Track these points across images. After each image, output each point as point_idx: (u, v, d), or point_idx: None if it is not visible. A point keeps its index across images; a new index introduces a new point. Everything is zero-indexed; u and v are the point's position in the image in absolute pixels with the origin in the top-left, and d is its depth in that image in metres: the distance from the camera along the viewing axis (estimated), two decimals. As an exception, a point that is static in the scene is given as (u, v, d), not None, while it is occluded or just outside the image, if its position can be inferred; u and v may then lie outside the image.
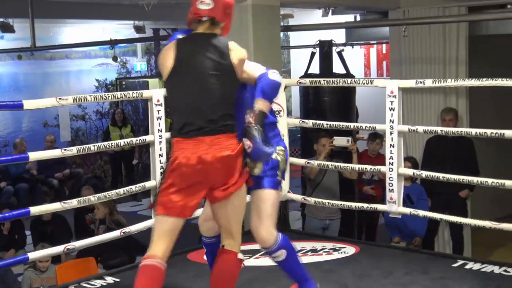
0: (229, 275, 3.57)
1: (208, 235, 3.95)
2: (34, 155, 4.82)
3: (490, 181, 4.79)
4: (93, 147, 5.16)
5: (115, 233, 5.01)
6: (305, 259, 4.94)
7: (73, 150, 4.92)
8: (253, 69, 3.52)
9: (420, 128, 5.46)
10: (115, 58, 11.87)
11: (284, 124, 5.74)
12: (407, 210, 5.26)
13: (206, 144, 3.30)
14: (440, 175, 5.11)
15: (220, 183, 3.38)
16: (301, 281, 3.78)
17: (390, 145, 5.12)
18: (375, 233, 7.46)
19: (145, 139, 5.04)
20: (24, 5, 8.72)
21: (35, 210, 4.82)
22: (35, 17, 9.11)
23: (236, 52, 3.44)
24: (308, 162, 6.02)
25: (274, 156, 3.62)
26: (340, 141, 6.03)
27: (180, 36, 3.54)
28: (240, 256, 3.52)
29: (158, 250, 3.36)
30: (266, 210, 3.64)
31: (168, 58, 3.38)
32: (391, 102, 5.07)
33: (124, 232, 4.96)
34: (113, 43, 10.65)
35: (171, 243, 3.42)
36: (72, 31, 12.36)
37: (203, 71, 3.36)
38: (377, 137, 7.09)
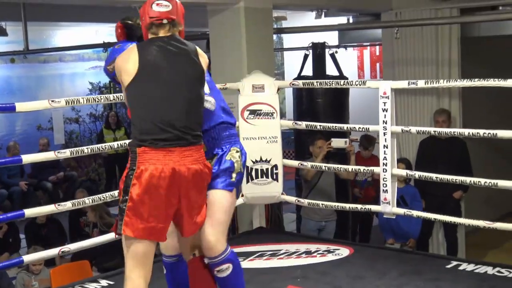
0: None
1: (168, 253, 3.55)
2: (28, 158, 4.82)
3: (483, 181, 4.82)
4: (86, 149, 5.17)
5: (110, 236, 5.00)
6: (300, 261, 4.99)
7: (66, 153, 4.92)
8: None
9: (414, 129, 5.47)
10: (108, 61, 11.81)
11: (277, 126, 5.76)
12: (401, 211, 5.27)
13: (177, 155, 3.05)
14: (434, 176, 5.12)
15: (192, 202, 3.16)
16: None
17: (384, 146, 5.13)
18: (369, 235, 7.46)
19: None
20: (16, 9, 8.71)
21: (29, 212, 4.83)
22: (28, 20, 9.11)
23: (204, 58, 3.29)
24: (301, 164, 6.02)
25: (228, 157, 3.43)
26: (338, 142, 6.02)
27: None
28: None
29: (142, 280, 3.06)
30: (218, 215, 3.31)
31: (129, 62, 3.10)
32: (384, 103, 5.08)
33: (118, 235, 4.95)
34: (106, 46, 10.62)
35: (151, 267, 3.14)
36: (65, 34, 12.33)
37: (173, 76, 3.15)
38: (370, 144, 7.12)
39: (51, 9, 9.15)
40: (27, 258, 4.96)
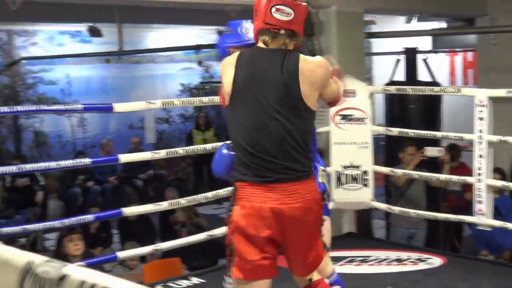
0: None
1: None
2: (125, 157, 4.97)
3: None
4: (180, 150, 5.28)
5: (201, 236, 5.10)
6: (390, 268, 4.96)
7: (161, 153, 5.03)
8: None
9: (511, 139, 5.34)
10: (199, 63, 12.05)
11: (368, 131, 5.74)
12: (497, 223, 5.16)
13: (279, 192, 2.69)
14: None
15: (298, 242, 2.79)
16: None
17: (478, 155, 5.04)
18: (460, 245, 7.32)
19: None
20: (111, 11, 8.96)
21: (127, 211, 4.99)
22: (122, 22, 9.36)
23: (314, 72, 2.76)
24: (392, 171, 5.98)
25: (320, 179, 3.14)
26: (432, 151, 5.94)
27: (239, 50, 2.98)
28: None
29: None
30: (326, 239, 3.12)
31: (226, 76, 2.79)
32: (480, 111, 4.99)
33: (209, 235, 5.04)
34: (198, 48, 10.80)
35: None
36: (158, 35, 12.56)
37: (270, 101, 2.71)
38: (459, 155, 7.00)
39: (144, 11, 9.38)
40: (122, 254, 5.11)
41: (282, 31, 2.73)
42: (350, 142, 5.62)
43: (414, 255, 5.28)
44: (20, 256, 0.71)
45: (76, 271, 0.63)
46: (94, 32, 10.43)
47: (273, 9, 2.71)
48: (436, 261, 5.14)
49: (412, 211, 5.66)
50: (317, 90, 2.76)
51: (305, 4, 2.82)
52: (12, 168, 5.09)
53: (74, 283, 0.61)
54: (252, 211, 2.69)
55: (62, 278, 0.63)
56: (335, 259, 5.04)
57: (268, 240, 2.71)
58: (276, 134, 2.70)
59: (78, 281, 0.61)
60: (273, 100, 2.71)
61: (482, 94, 5.04)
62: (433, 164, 6.31)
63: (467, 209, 6.05)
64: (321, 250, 2.89)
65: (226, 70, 2.79)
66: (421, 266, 5.02)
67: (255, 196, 2.68)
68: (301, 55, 2.79)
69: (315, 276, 2.98)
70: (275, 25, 2.72)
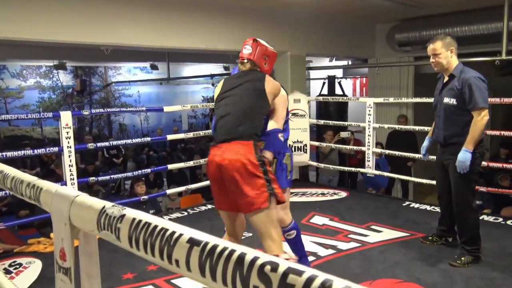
0: None
1: None
2: (170, 137, 4.94)
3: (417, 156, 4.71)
4: (201, 133, 5.28)
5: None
6: (318, 198, 4.97)
7: (190, 134, 5.06)
8: (276, 114, 2.48)
9: (385, 125, 5.37)
10: (212, 84, 11.96)
11: (307, 122, 5.74)
12: (377, 172, 5.20)
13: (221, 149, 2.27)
14: (396, 152, 5.03)
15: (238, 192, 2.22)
16: (301, 257, 2.78)
17: (368, 135, 5.06)
18: (356, 185, 7.40)
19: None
20: (164, 54, 8.88)
21: (171, 166, 4.97)
22: (170, 61, 9.27)
23: (270, 82, 2.44)
24: (320, 144, 5.99)
25: (284, 161, 2.70)
26: (344, 134, 5.97)
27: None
28: (283, 256, 2.18)
29: None
30: (287, 202, 2.72)
31: (218, 88, 2.53)
32: (369, 110, 5.00)
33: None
34: (212, 76, 10.77)
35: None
36: (189, 68, 12.46)
37: (237, 93, 2.41)
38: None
39: (182, 54, 9.29)
40: (168, 191, 5.09)
41: (245, 60, 2.54)
42: (297, 128, 5.61)
43: (331, 191, 5.30)
44: (97, 202, 0.70)
45: (131, 212, 0.63)
46: (154, 67, 10.39)
47: (243, 48, 2.58)
48: (343, 194, 5.16)
49: (331, 166, 5.69)
50: (271, 94, 2.42)
51: (263, 44, 2.58)
52: (105, 144, 5.07)
53: (129, 219, 0.60)
54: (208, 163, 2.34)
55: (122, 216, 0.62)
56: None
57: (214, 181, 2.31)
58: (234, 113, 2.33)
59: (131, 218, 0.60)
60: (241, 95, 2.40)
61: (370, 101, 5.04)
62: (343, 141, 6.35)
63: (360, 165, 6.11)
64: (254, 200, 2.18)
65: (218, 86, 2.55)
66: (335, 197, 5.05)
67: (211, 153, 2.32)
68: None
69: (269, 247, 2.28)
70: (241, 57, 2.57)
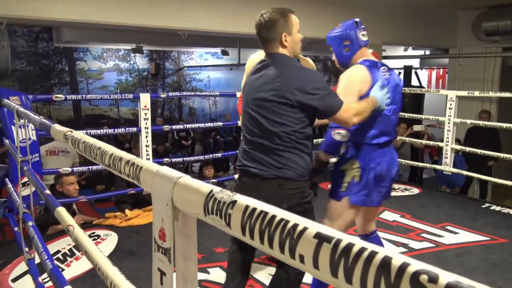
0: None
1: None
2: (239, 122, 4.95)
3: (503, 155, 4.35)
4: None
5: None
6: (388, 193, 4.78)
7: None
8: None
9: (468, 121, 5.01)
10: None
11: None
12: (454, 170, 4.89)
13: None
14: (478, 150, 4.69)
15: None
16: None
17: (448, 130, 4.75)
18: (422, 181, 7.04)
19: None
20: (235, 40, 8.96)
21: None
22: (240, 46, 9.34)
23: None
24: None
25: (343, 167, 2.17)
26: (418, 127, 5.66)
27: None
28: None
29: None
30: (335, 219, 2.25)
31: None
32: (450, 103, 4.69)
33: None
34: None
35: None
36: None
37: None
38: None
39: (252, 40, 9.28)
40: (236, 176, 5.13)
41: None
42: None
43: (402, 186, 5.09)
44: (205, 186, 0.68)
45: (242, 198, 0.60)
46: (225, 52, 10.47)
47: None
48: (415, 190, 4.93)
49: (402, 161, 5.44)
50: None
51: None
52: (178, 126, 5.20)
53: (242, 206, 0.58)
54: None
55: (234, 202, 0.60)
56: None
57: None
58: None
59: (244, 205, 0.57)
60: None
61: (452, 94, 4.72)
62: (415, 134, 6.04)
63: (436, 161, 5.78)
64: None
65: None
66: (406, 193, 4.83)
67: None
68: None
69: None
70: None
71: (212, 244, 3.28)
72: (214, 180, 4.68)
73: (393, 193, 4.78)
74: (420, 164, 5.46)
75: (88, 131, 3.81)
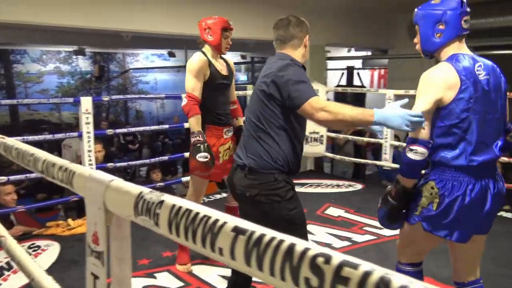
0: None
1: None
2: (186, 125, 4.93)
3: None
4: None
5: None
6: (333, 190, 4.94)
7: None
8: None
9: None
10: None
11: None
12: (394, 165, 5.13)
13: None
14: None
15: None
16: None
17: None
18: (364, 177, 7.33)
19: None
20: (181, 41, 8.84)
21: (187, 154, 4.95)
22: (187, 48, 9.25)
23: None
24: (337, 135, 5.92)
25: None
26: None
27: None
28: None
29: None
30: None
31: None
32: (388, 102, 4.93)
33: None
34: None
35: None
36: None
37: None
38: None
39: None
40: (184, 179, 5.08)
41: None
42: (313, 119, 5.56)
43: (346, 183, 5.26)
44: (135, 188, 0.70)
45: (169, 198, 0.62)
46: (171, 54, 10.35)
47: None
48: (358, 186, 5.12)
49: (346, 158, 5.65)
50: None
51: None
52: (123, 130, 5.09)
53: (169, 205, 0.60)
54: None
55: (161, 202, 0.62)
56: (302, 184, 5.05)
57: None
58: None
59: (171, 204, 0.60)
60: None
61: (390, 92, 4.97)
62: (358, 132, 6.29)
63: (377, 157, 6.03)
64: None
65: None
66: (350, 189, 5.00)
67: None
68: None
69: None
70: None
71: (160, 248, 3.25)
72: (162, 184, 4.62)
73: (338, 189, 4.99)
74: (362, 160, 5.69)
75: (26, 137, 3.63)
